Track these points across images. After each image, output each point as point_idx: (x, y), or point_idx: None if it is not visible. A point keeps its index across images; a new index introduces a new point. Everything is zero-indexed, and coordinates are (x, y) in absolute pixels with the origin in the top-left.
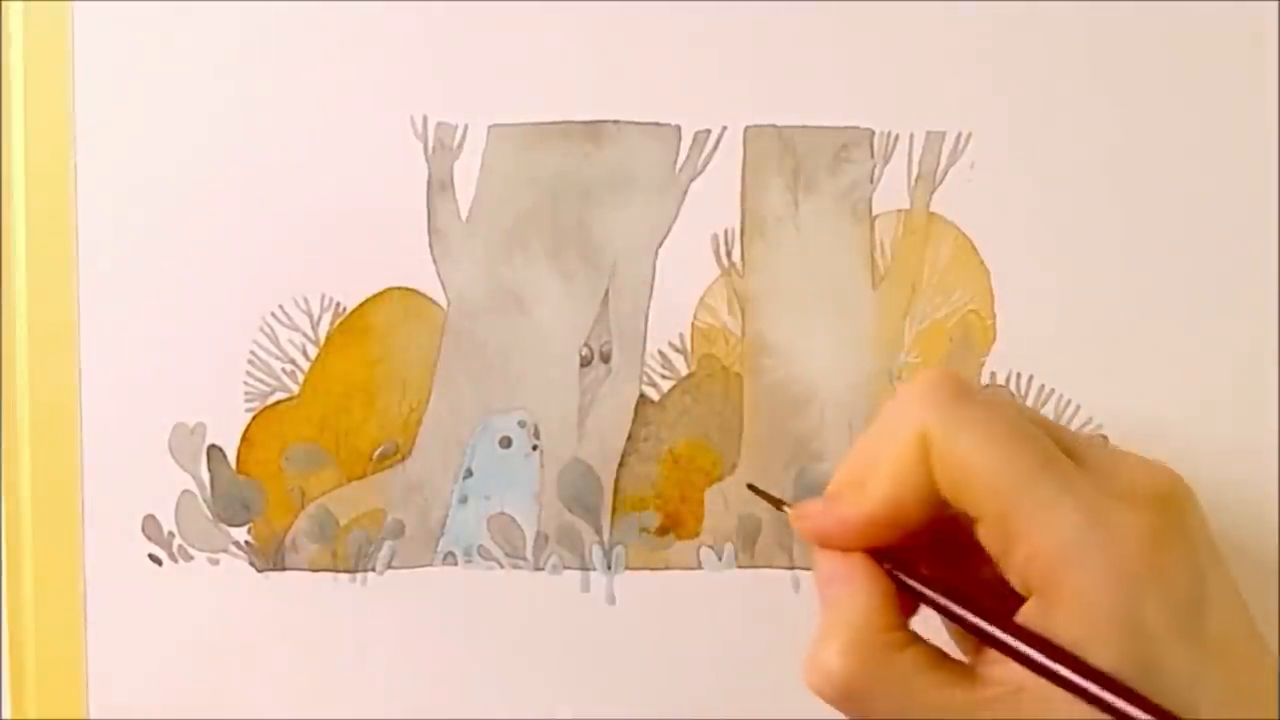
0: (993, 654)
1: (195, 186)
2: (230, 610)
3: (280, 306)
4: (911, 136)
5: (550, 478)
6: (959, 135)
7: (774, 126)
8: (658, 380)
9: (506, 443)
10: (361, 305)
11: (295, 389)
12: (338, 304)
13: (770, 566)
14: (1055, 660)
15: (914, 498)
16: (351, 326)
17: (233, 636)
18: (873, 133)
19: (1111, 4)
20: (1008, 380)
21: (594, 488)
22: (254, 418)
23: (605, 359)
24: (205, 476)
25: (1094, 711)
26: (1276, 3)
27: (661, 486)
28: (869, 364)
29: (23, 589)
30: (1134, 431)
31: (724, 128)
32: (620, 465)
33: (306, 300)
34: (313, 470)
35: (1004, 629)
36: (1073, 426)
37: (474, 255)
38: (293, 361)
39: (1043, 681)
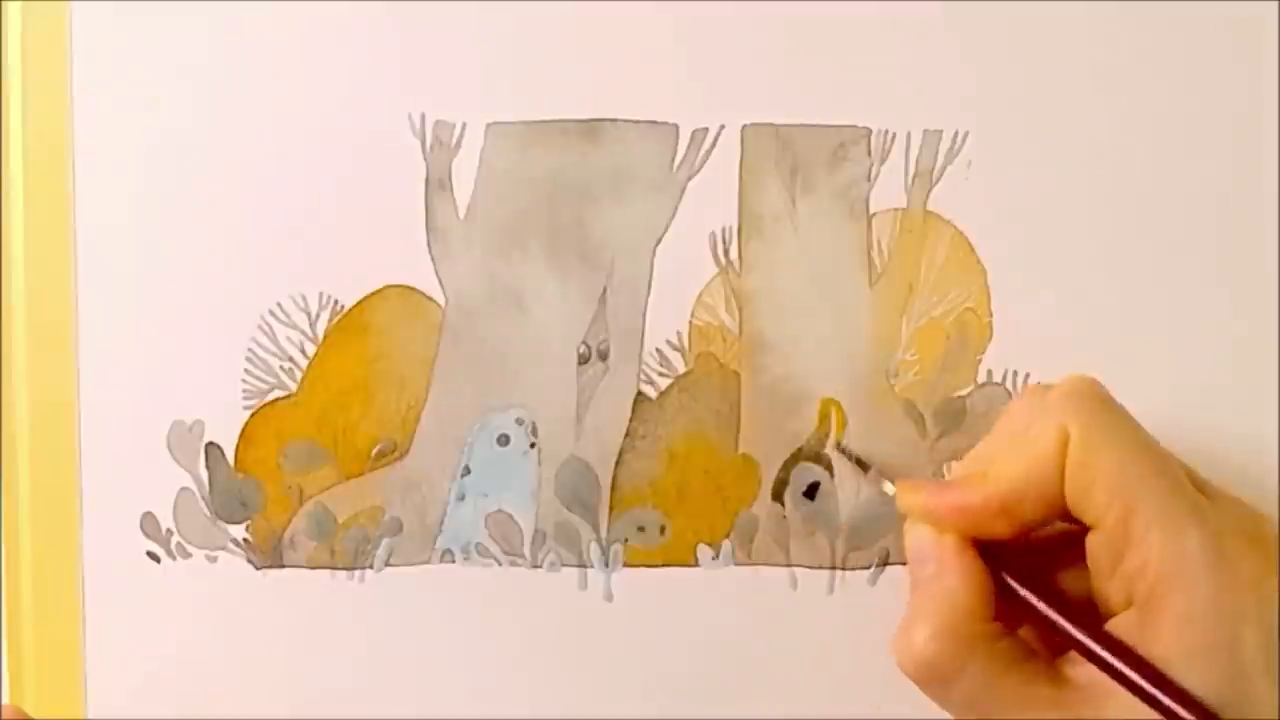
0: (1075, 657)
1: (193, 185)
2: (228, 608)
3: (278, 304)
4: (909, 135)
5: (548, 475)
6: (956, 134)
7: (772, 125)
8: (655, 378)
9: (504, 440)
10: (360, 303)
11: (293, 387)
12: (336, 302)
13: (768, 564)
14: (1145, 676)
15: (1037, 494)
16: (350, 324)
17: (231, 634)
18: (870, 131)
19: (1110, 3)
20: (1005, 378)
21: (591, 485)
22: (252, 415)
23: (603, 357)
24: (203, 474)
25: None
26: (1276, 3)
27: (659, 484)
28: (866, 362)
29: (21, 586)
30: None
31: (722, 126)
32: (618, 463)
33: (305, 298)
34: (311, 468)
35: (1100, 640)
36: None
37: (472, 253)
38: (291, 359)
39: (1126, 692)
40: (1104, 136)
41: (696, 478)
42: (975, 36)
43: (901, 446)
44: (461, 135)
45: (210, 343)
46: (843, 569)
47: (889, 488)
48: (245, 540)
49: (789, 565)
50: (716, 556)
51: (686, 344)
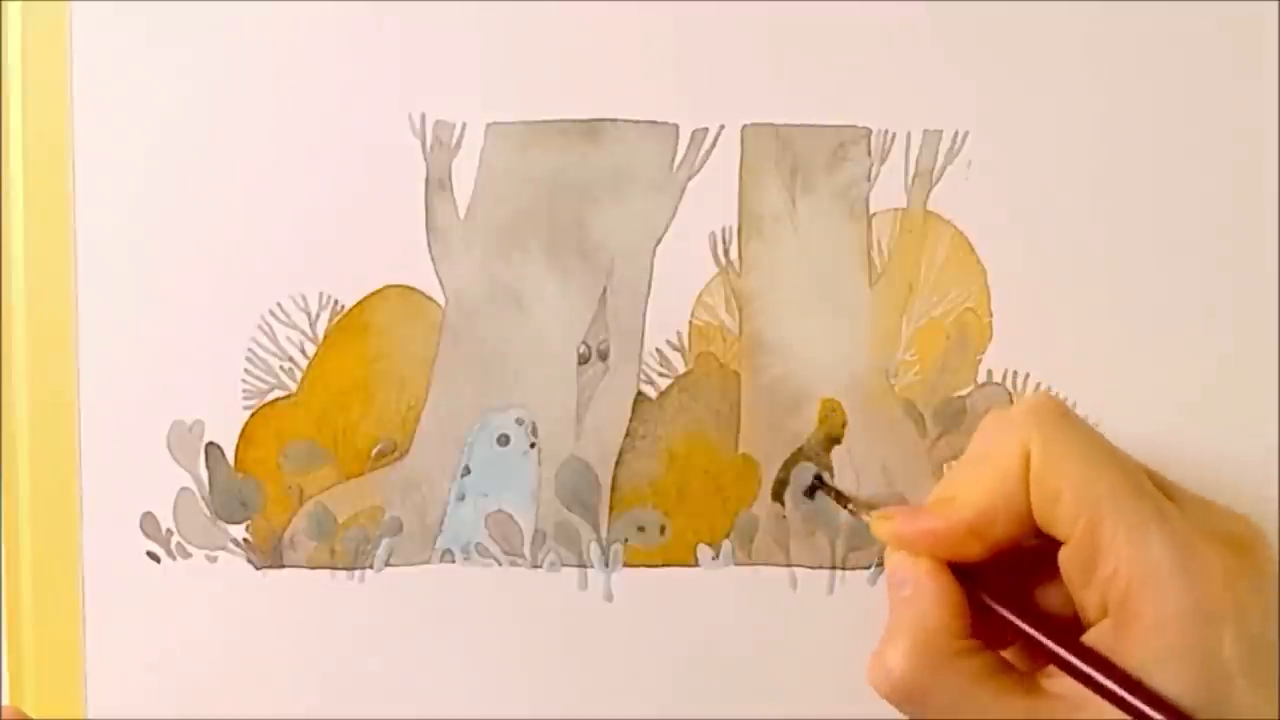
0: (1053, 669)
1: (193, 185)
2: (228, 608)
3: (278, 304)
4: (909, 135)
5: (548, 475)
6: (956, 134)
7: (772, 125)
8: (655, 378)
9: (504, 440)
10: (360, 303)
11: (293, 387)
12: (336, 302)
13: (768, 564)
14: (1118, 682)
15: (1005, 515)
16: (350, 324)
17: (231, 634)
18: (870, 131)
19: (1110, 4)
20: (1004, 378)
21: (591, 485)
22: (252, 415)
23: (603, 357)
24: (203, 474)
25: None
26: (1276, 2)
27: (659, 484)
28: (866, 362)
29: (21, 586)
30: (1131, 430)
31: (722, 126)
32: (618, 463)
33: (305, 298)
34: (311, 468)
35: (1073, 650)
36: None
37: (472, 253)
38: (291, 359)
39: (1103, 702)
40: (1104, 137)
41: (696, 478)
42: (975, 37)
43: (901, 446)
44: (461, 135)
45: (210, 343)
46: (843, 569)
47: (865, 519)
48: (245, 540)
49: (789, 565)
50: (716, 556)
51: (686, 344)
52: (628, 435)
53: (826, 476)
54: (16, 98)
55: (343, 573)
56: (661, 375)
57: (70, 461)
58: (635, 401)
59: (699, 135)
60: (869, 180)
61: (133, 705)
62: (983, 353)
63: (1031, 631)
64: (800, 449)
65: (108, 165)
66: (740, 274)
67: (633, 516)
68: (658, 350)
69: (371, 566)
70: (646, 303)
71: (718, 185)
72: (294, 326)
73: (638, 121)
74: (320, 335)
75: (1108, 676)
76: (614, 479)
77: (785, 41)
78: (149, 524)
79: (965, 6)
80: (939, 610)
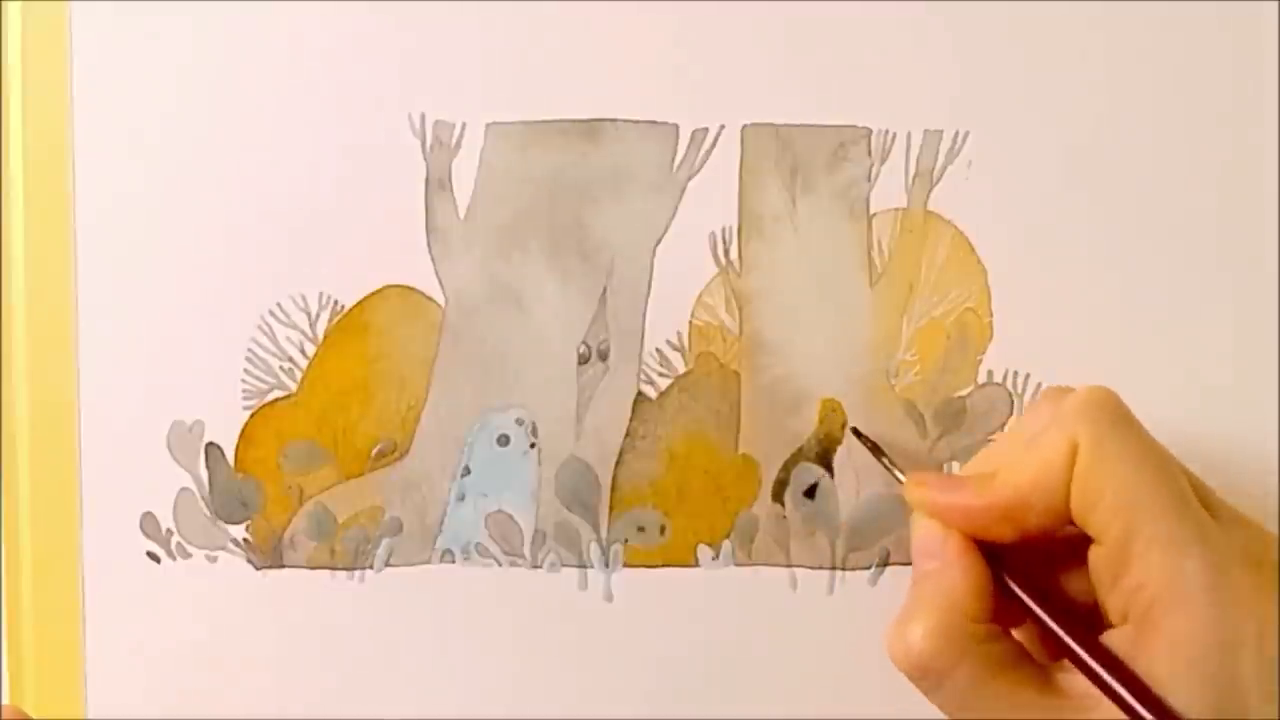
0: (1071, 665)
1: (194, 185)
2: (228, 608)
3: (278, 304)
4: (909, 135)
5: (548, 475)
6: (956, 134)
7: (772, 125)
8: (655, 378)
9: (504, 440)
10: (360, 303)
11: (293, 387)
12: (336, 302)
13: (768, 564)
14: (1131, 690)
15: (1042, 503)
16: (350, 324)
17: (231, 634)
18: (870, 131)
19: (1110, 4)
20: (1004, 378)
21: (591, 485)
22: (252, 415)
23: (603, 357)
24: (203, 474)
25: None
26: (1276, 2)
27: (659, 484)
28: (866, 362)
29: (21, 586)
30: None
31: (722, 126)
32: (618, 463)
33: (305, 298)
34: (311, 468)
35: (1091, 650)
36: None
37: (472, 253)
38: (291, 359)
39: (1113, 708)
40: (1104, 136)
41: (696, 478)
42: (976, 37)
43: (902, 447)
44: (461, 135)
45: (210, 343)
46: (843, 569)
47: (900, 477)
48: (245, 540)
49: (789, 565)
50: (716, 556)
51: (686, 344)
52: (628, 435)
53: (861, 429)
54: (16, 98)
55: (343, 573)
56: (661, 375)
57: (70, 461)
58: (635, 401)
59: (699, 135)
60: (869, 180)
61: (133, 705)
62: (983, 353)
63: (1052, 624)
64: (800, 449)
65: (108, 165)
66: (740, 274)
67: (633, 516)
68: (658, 350)
69: (371, 566)
70: (646, 303)
71: (718, 185)
72: (294, 326)
73: (638, 121)
74: (320, 335)
75: (1122, 683)
76: (614, 479)
77: (785, 41)
78: (149, 524)
79: (965, 6)
80: (964, 592)
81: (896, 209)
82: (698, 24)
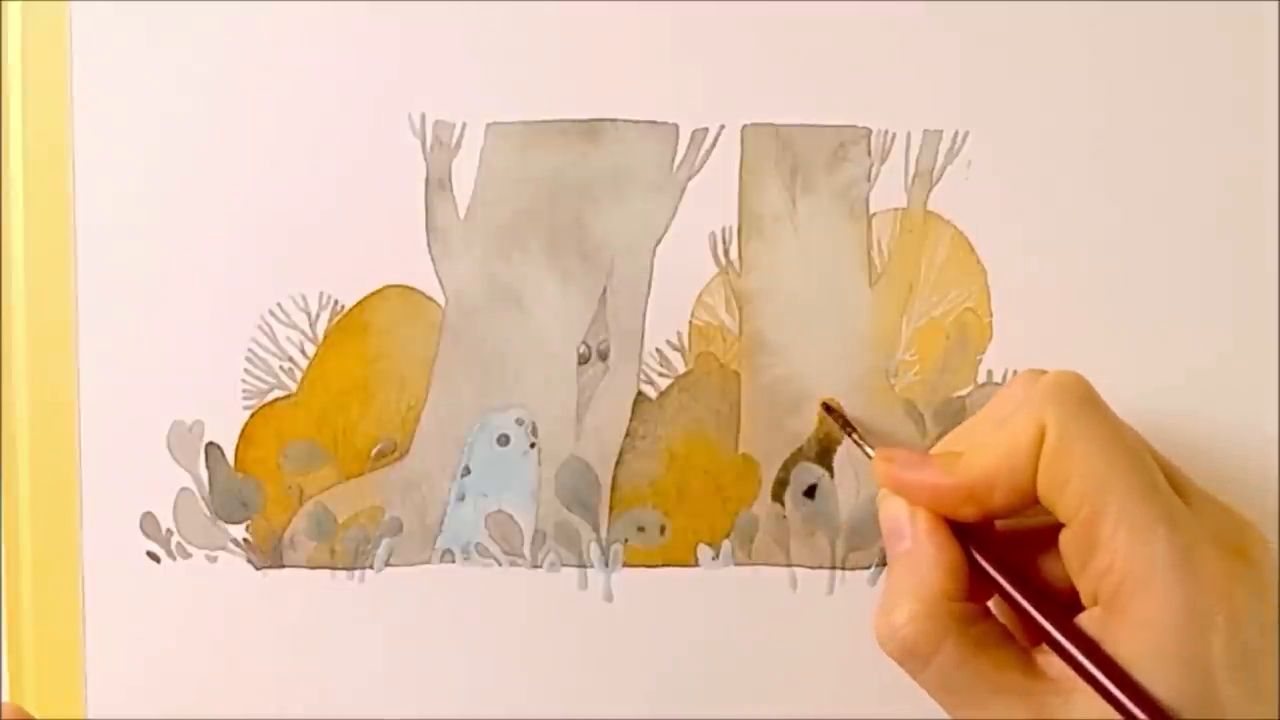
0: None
1: (193, 184)
2: (228, 608)
3: (278, 304)
4: (909, 135)
5: (548, 475)
6: (956, 134)
7: (772, 125)
8: (655, 378)
9: (504, 440)
10: (360, 303)
11: (293, 387)
12: (336, 302)
13: (767, 564)
14: (1104, 671)
15: (1007, 485)
16: (350, 324)
17: (231, 634)
18: (870, 131)
19: (1110, 3)
20: (1004, 378)
21: (591, 485)
22: (252, 415)
23: (603, 357)
24: (203, 474)
25: None
26: (1276, 2)
27: (659, 484)
28: (866, 362)
29: (21, 586)
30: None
31: (722, 126)
32: (618, 463)
33: (305, 298)
34: (311, 468)
35: (1064, 631)
36: None
37: (472, 253)
38: (291, 359)
39: (1093, 690)
40: (1104, 136)
41: (696, 478)
42: (976, 37)
43: (888, 441)
44: (461, 135)
45: (210, 343)
46: (843, 569)
47: (869, 452)
48: (245, 540)
49: (789, 565)
50: (716, 556)
51: (686, 344)
52: (628, 435)
53: (836, 403)
54: (16, 98)
55: (343, 573)
56: (661, 375)
57: (70, 461)
58: (635, 401)
59: (699, 135)
60: (869, 180)
61: (133, 705)
62: (983, 353)
63: (1023, 601)
64: (800, 449)
65: (108, 165)
66: (740, 274)
67: (633, 516)
68: (658, 350)
69: (371, 566)
70: (646, 303)
71: (718, 185)
72: (294, 326)
73: (638, 121)
74: (320, 335)
75: (1094, 663)
76: (614, 479)
77: (785, 41)
78: (149, 524)
79: (965, 6)
80: (940, 573)
81: (896, 209)
82: (698, 24)
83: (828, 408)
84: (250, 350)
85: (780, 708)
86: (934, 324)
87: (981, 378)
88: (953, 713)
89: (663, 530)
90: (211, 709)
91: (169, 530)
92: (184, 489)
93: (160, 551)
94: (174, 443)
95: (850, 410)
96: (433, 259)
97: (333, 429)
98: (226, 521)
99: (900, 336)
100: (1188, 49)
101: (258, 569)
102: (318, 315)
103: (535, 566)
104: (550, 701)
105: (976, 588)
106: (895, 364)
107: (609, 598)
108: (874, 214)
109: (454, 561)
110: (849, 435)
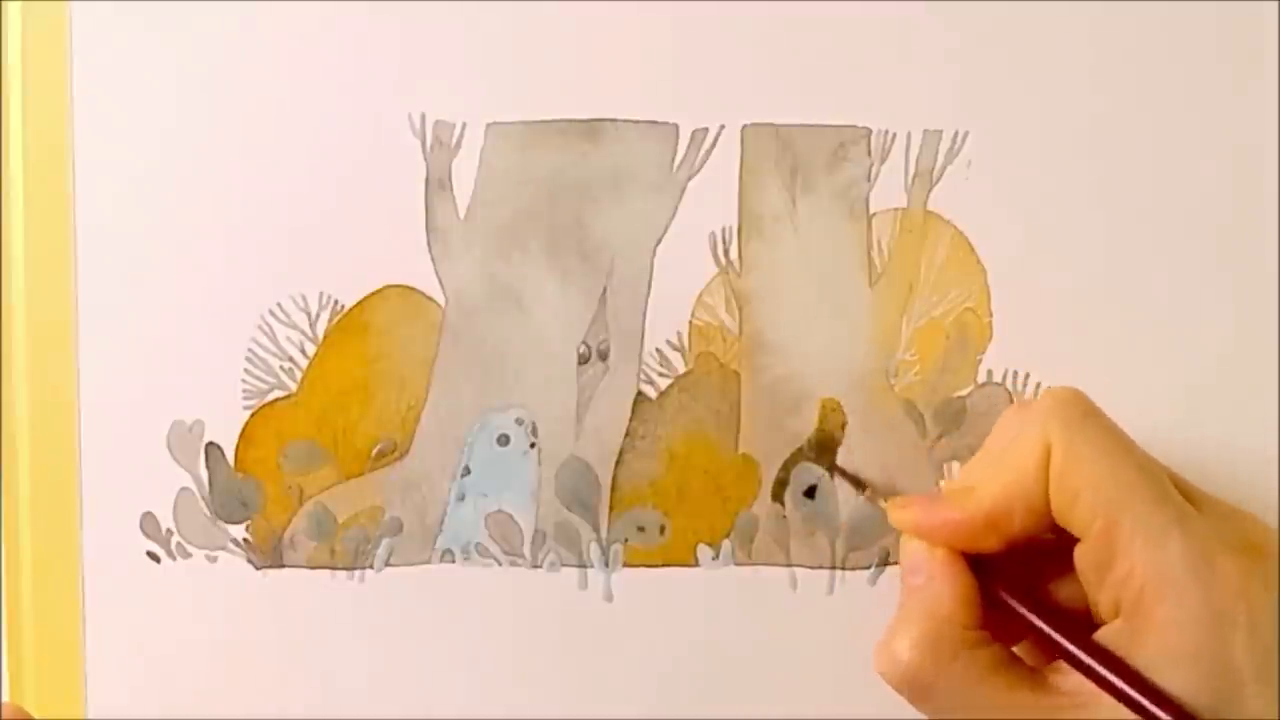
0: (1063, 665)
1: (193, 184)
2: (228, 608)
3: (278, 304)
4: (909, 135)
5: (548, 475)
6: (956, 134)
7: (772, 125)
8: (655, 378)
9: (504, 440)
10: (360, 303)
11: (293, 387)
12: (336, 302)
13: (768, 564)
14: (1128, 681)
15: (1023, 509)
16: (350, 324)
17: (231, 634)
18: (870, 131)
19: (1110, 3)
20: (1004, 378)
21: (591, 485)
22: (252, 415)
23: (603, 357)
24: (203, 474)
25: None
26: (1277, 2)
27: (659, 484)
28: (866, 362)
29: (21, 586)
30: (1132, 429)
31: (722, 126)
32: (618, 463)
33: (305, 298)
34: (311, 468)
35: (1084, 647)
36: None
37: (472, 253)
38: (291, 359)
39: (1112, 700)
40: (1104, 136)
41: (696, 478)
42: (976, 37)
43: (901, 446)
44: (461, 135)
45: (210, 343)
46: (843, 569)
47: (881, 506)
48: (245, 540)
49: (789, 565)
50: (716, 556)
51: (686, 344)
52: (628, 435)
53: (842, 465)
54: (16, 98)
55: (343, 573)
56: (661, 375)
57: (70, 461)
58: (635, 401)
59: (699, 135)
60: (869, 180)
61: (133, 705)
62: (983, 353)
63: (1043, 626)
64: (800, 449)
65: (108, 165)
66: (740, 274)
67: (633, 516)
68: (658, 350)
69: (371, 566)
70: (646, 303)
71: (718, 185)
72: (294, 326)
73: (638, 121)
74: (320, 335)
75: (1118, 675)
76: (614, 479)
77: (785, 41)
78: (149, 524)
79: (965, 6)
80: (950, 601)
81: (896, 209)
82: (698, 24)
83: (840, 470)
84: (250, 350)
85: (780, 708)
86: (934, 324)
87: (981, 378)
88: None
89: (663, 530)
90: (211, 709)
91: (169, 530)
92: (184, 489)
93: (160, 551)
94: (174, 443)
95: (850, 410)
96: (433, 259)
97: (333, 429)
98: (226, 521)
99: (900, 336)
100: (1188, 49)
101: (258, 569)
102: (318, 315)
103: (535, 566)
104: (550, 701)
105: (994, 623)
106: (895, 364)
107: (609, 598)
108: (874, 214)
109: (454, 561)
110: (861, 494)
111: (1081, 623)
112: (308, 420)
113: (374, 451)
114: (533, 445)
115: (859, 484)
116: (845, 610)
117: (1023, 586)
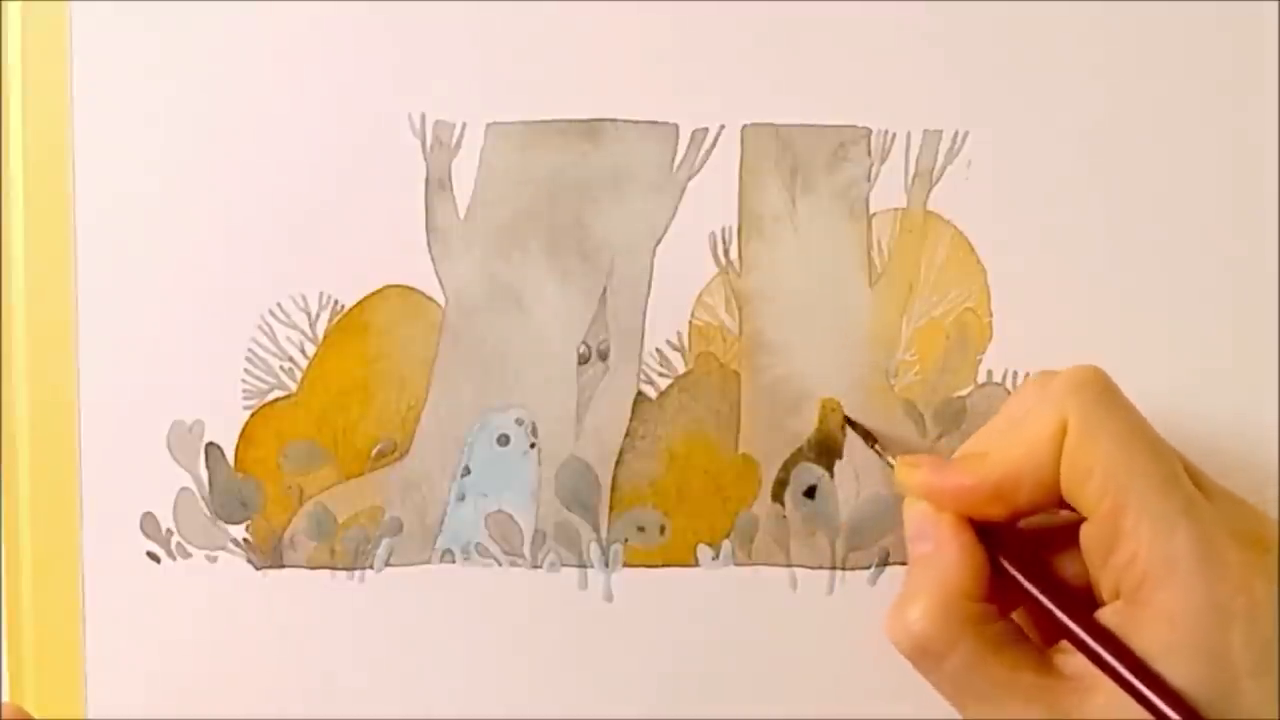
0: (1067, 646)
1: (193, 184)
2: (228, 608)
3: (278, 304)
4: (909, 135)
5: (548, 475)
6: (956, 134)
7: (772, 125)
8: (655, 378)
9: (504, 440)
10: (360, 303)
11: (293, 387)
12: (336, 302)
13: (768, 564)
14: (1127, 665)
15: (1032, 480)
16: (350, 324)
17: (231, 634)
18: (870, 131)
19: (1110, 3)
20: (1004, 378)
21: (591, 485)
22: (252, 415)
23: (603, 357)
24: (203, 474)
25: None
26: (1277, 2)
27: (659, 484)
28: (866, 362)
29: (21, 586)
30: None
31: (722, 126)
32: (618, 463)
33: (305, 298)
34: (311, 468)
35: (1085, 626)
36: None
37: (472, 253)
38: (291, 359)
39: (1111, 687)
40: (1104, 136)
41: (696, 478)
42: (976, 37)
43: (901, 447)
44: (461, 135)
45: (210, 343)
46: (843, 569)
47: (891, 461)
48: (245, 540)
49: (789, 565)
50: (716, 556)
51: (686, 344)
52: (628, 435)
53: (855, 418)
54: (16, 98)
55: (343, 573)
56: (661, 375)
57: (70, 461)
58: (635, 401)
59: (699, 135)
60: (869, 180)
61: (133, 705)
62: (983, 353)
63: (1046, 602)
64: (800, 449)
65: (108, 165)
66: (740, 274)
67: (633, 516)
68: (658, 350)
69: (371, 566)
70: (646, 303)
71: (718, 185)
72: (294, 326)
73: (638, 121)
74: (320, 335)
75: (1117, 658)
76: (614, 479)
77: (785, 41)
78: (149, 524)
79: (965, 6)
80: (959, 571)
81: (896, 209)
82: (698, 24)
83: (851, 422)
84: (250, 350)
85: (780, 708)
86: (934, 324)
87: (981, 378)
88: (966, 713)
89: (663, 530)
90: (212, 709)
91: (169, 530)
92: (184, 489)
93: (160, 551)
94: (174, 443)
95: (850, 410)
96: (433, 259)
97: (333, 429)
98: (226, 521)
99: (900, 336)
100: (1187, 49)
101: (258, 569)
102: (318, 315)
103: (535, 566)
104: (550, 701)
105: (995, 590)
106: (895, 364)
107: (609, 598)
108: (874, 214)
109: (454, 561)
110: (871, 447)
111: (1082, 600)
112: (308, 420)
113: (374, 451)
114: (533, 445)
115: (869, 437)
116: (845, 610)
117: (1028, 555)
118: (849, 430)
